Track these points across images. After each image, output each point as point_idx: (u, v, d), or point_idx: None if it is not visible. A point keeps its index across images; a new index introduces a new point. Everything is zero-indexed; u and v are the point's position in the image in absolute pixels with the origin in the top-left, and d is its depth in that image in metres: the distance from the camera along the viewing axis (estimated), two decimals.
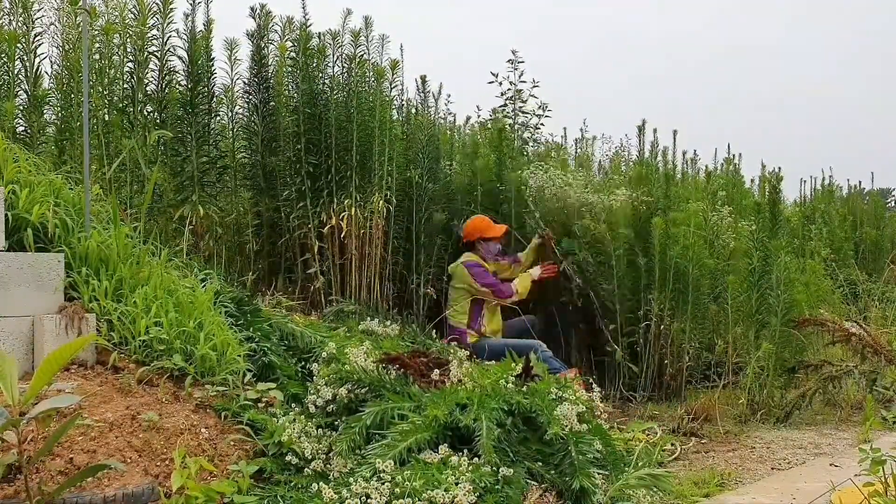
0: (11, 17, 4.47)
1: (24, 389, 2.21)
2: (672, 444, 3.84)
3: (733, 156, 8.81)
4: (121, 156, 4.33)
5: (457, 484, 2.55)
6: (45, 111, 4.63)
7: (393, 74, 5.70)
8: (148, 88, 4.89)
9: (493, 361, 4.54)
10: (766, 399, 4.75)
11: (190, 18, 5.02)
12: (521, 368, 3.82)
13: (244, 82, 5.47)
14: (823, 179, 10.53)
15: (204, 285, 3.56)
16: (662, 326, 5.54)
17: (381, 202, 5.39)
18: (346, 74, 5.48)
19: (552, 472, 2.88)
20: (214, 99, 5.26)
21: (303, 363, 3.58)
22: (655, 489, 2.90)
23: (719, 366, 5.77)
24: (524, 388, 3.42)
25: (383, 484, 2.52)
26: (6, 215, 3.10)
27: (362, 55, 5.51)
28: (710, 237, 6.06)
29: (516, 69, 7.76)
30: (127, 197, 4.58)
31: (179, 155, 5.02)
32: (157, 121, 4.94)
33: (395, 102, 5.90)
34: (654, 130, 7.14)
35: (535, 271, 5.48)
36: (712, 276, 5.93)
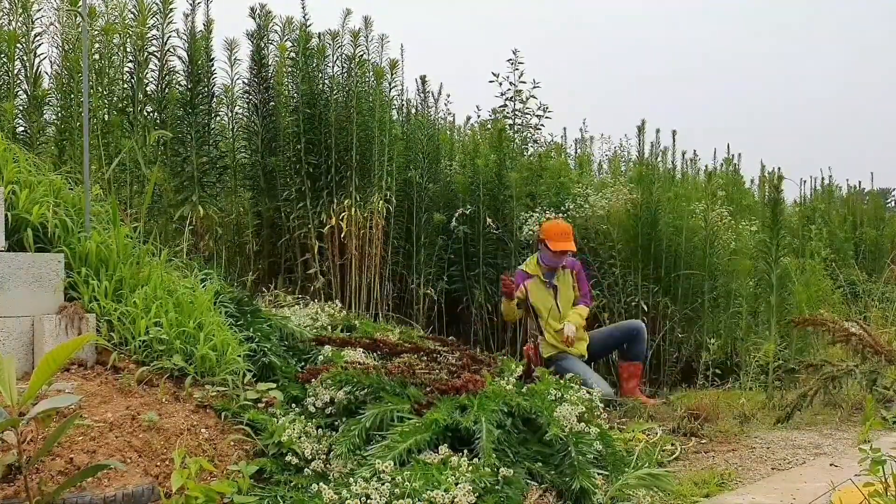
0: (11, 17, 4.47)
1: (24, 390, 2.21)
2: (672, 444, 3.83)
3: (733, 156, 8.83)
4: (120, 155, 4.33)
5: (457, 484, 2.54)
6: (45, 111, 4.63)
7: (392, 74, 5.71)
8: (148, 88, 4.90)
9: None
10: (766, 399, 4.75)
11: (190, 18, 5.03)
12: (521, 370, 3.83)
13: (244, 82, 5.47)
14: (823, 179, 10.55)
15: (204, 285, 3.55)
16: (662, 326, 5.54)
17: (380, 202, 5.40)
18: (345, 74, 5.49)
19: (552, 472, 2.88)
20: (214, 99, 5.27)
21: (303, 363, 3.59)
22: (655, 489, 2.90)
23: (719, 366, 5.78)
24: (524, 390, 3.42)
25: (383, 484, 2.52)
26: (6, 215, 3.10)
27: (362, 55, 5.51)
28: (710, 237, 6.07)
29: (517, 69, 7.70)
30: (127, 197, 4.58)
31: (179, 155, 5.02)
32: (157, 121, 4.95)
33: (395, 103, 5.91)
34: (657, 131, 7.17)
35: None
36: (712, 277, 5.93)
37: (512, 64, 7.70)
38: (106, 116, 4.73)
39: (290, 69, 5.45)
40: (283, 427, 2.87)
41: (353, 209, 5.24)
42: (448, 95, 6.95)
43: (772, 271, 5.15)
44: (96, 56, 4.70)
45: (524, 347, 5.38)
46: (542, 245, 4.99)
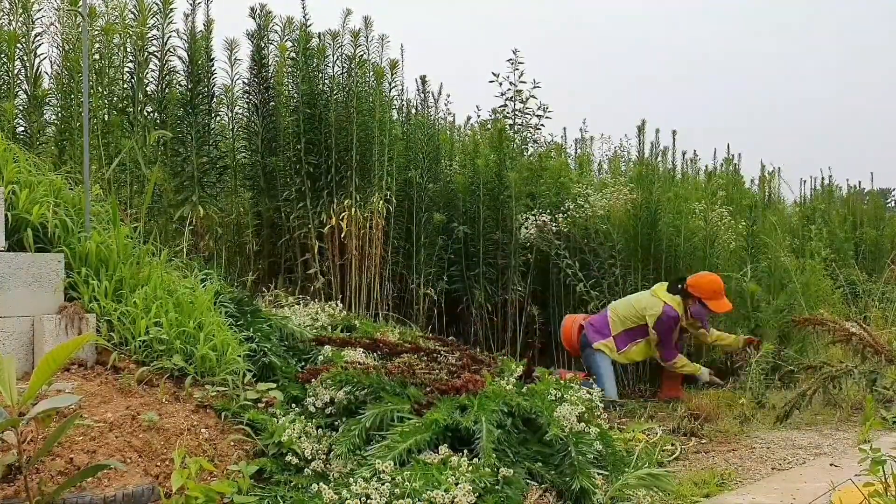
0: (11, 18, 4.47)
1: (24, 390, 2.21)
2: (672, 444, 3.84)
3: (733, 156, 8.81)
4: (120, 155, 4.33)
5: (457, 484, 2.55)
6: (45, 111, 4.63)
7: (392, 75, 5.71)
8: (148, 88, 4.90)
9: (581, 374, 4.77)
10: (767, 399, 4.76)
11: (190, 18, 5.03)
12: (521, 370, 3.84)
13: (244, 82, 5.47)
14: (823, 179, 10.54)
15: (204, 285, 3.55)
16: None
17: (380, 202, 5.39)
18: (345, 74, 5.49)
19: (552, 472, 2.88)
20: (214, 99, 5.27)
21: (303, 363, 3.59)
22: (655, 489, 2.90)
23: (719, 366, 5.77)
24: (524, 390, 3.42)
25: (383, 484, 2.52)
26: (6, 215, 3.10)
27: (362, 55, 5.51)
28: (710, 237, 6.07)
29: (516, 69, 7.70)
30: (127, 197, 4.58)
31: (179, 155, 5.02)
32: (157, 121, 4.95)
33: (395, 103, 5.91)
34: (657, 131, 7.16)
35: (706, 375, 5.20)
36: None
37: (512, 64, 7.69)
38: (106, 116, 4.73)
39: (290, 69, 5.45)
40: (283, 427, 2.87)
41: (353, 209, 5.24)
42: (448, 95, 6.95)
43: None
44: (96, 56, 4.70)
45: (565, 319, 5.41)
46: (696, 302, 5.10)
